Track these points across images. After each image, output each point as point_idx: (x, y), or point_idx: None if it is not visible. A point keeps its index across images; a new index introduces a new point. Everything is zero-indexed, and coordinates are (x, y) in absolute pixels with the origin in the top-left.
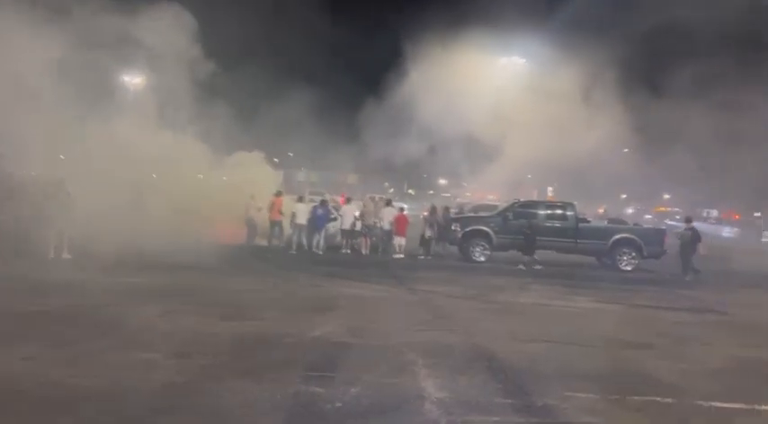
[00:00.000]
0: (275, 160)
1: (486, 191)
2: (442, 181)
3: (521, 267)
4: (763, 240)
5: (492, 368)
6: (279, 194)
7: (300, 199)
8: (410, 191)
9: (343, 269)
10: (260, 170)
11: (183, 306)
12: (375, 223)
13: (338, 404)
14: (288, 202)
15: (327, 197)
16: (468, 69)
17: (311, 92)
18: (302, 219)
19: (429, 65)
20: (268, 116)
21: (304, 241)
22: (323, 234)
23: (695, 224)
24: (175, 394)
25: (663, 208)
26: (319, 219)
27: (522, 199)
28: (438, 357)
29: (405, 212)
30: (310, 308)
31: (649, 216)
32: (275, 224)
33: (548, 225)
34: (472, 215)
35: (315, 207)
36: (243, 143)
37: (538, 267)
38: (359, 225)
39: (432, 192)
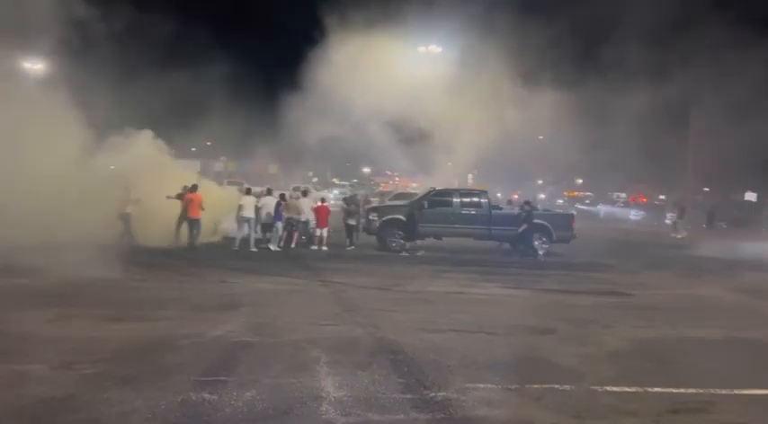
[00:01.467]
0: (192, 149)
1: (409, 179)
2: (366, 170)
3: (404, 254)
4: (667, 222)
5: (395, 362)
6: (194, 189)
7: (248, 192)
8: (334, 180)
9: (256, 264)
10: (145, 154)
11: (72, 309)
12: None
13: (227, 411)
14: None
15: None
16: (387, 56)
17: (227, 76)
18: (250, 212)
19: (348, 50)
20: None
21: (252, 235)
22: (277, 229)
23: (602, 206)
24: (48, 410)
25: (574, 193)
26: (277, 215)
27: (437, 188)
28: (341, 353)
29: (325, 203)
30: (213, 306)
31: (561, 201)
32: (194, 222)
33: (463, 212)
34: (389, 204)
35: (278, 203)
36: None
37: (420, 252)
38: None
39: (356, 181)
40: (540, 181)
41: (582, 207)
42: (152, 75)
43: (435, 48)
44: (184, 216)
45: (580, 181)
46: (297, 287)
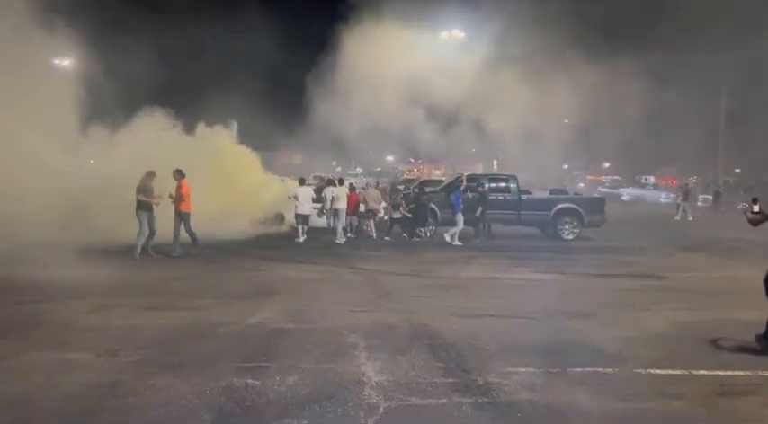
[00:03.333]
0: None
1: (432, 167)
2: (390, 158)
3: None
4: (699, 204)
5: (433, 347)
6: (182, 175)
7: (302, 182)
8: (358, 169)
9: (285, 253)
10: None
11: (113, 300)
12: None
13: (271, 396)
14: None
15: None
16: (408, 42)
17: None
18: (306, 208)
19: (368, 37)
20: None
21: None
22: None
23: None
24: (95, 396)
25: (595, 176)
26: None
27: (465, 174)
28: (379, 338)
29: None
30: (248, 294)
31: (582, 185)
32: (183, 216)
33: (492, 198)
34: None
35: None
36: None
37: (416, 238)
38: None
39: (379, 169)
40: (566, 166)
41: (604, 190)
42: (175, 63)
43: (458, 33)
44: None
45: (607, 164)
46: (329, 275)
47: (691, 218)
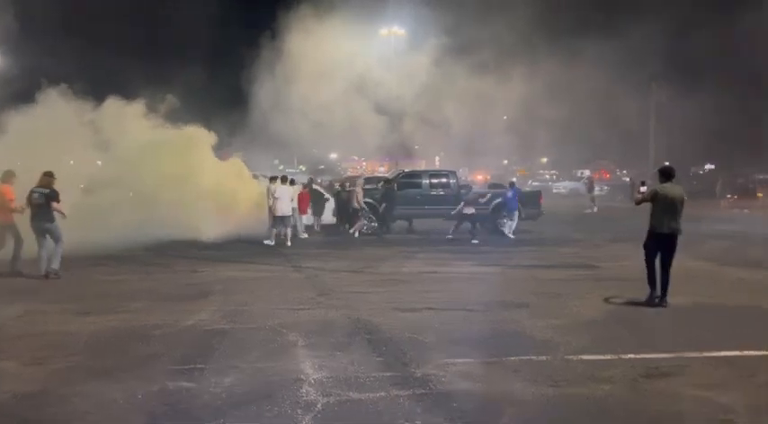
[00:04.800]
0: None
1: (376, 164)
2: (333, 155)
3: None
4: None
5: (373, 341)
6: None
7: (283, 180)
8: (301, 167)
9: (228, 253)
10: None
11: (42, 306)
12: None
13: (206, 397)
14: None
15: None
16: (348, 38)
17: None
18: (286, 208)
19: (309, 31)
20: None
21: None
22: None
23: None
24: (24, 406)
25: (523, 171)
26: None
27: (406, 170)
28: (318, 336)
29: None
30: (185, 296)
31: (514, 179)
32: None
33: (432, 193)
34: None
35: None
36: None
37: (356, 234)
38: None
39: (323, 167)
40: (506, 161)
41: (535, 184)
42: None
43: (398, 30)
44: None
45: (545, 159)
46: (269, 274)
47: (595, 210)
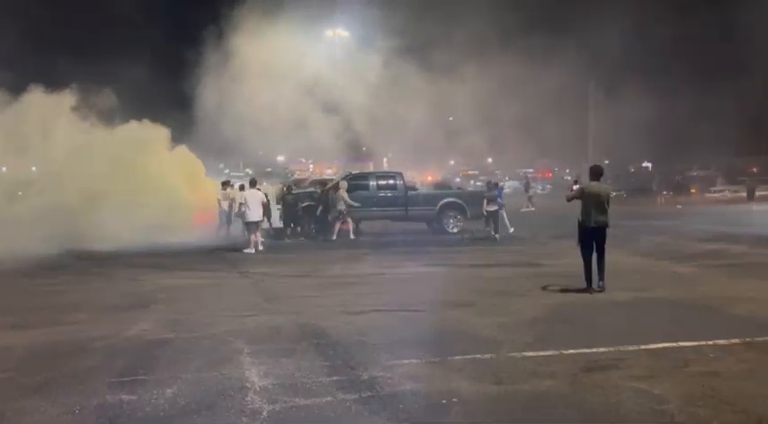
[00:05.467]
0: None
1: (324, 166)
2: (280, 158)
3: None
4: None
5: (319, 346)
6: None
7: (252, 184)
8: (248, 170)
9: (171, 260)
10: None
11: None
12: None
13: (148, 409)
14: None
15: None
16: (291, 40)
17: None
18: (256, 214)
19: (253, 32)
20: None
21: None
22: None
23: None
24: None
25: (467, 171)
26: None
27: (353, 172)
28: (264, 343)
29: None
30: (126, 306)
31: (458, 179)
32: None
33: (380, 195)
34: (304, 191)
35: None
36: None
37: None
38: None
39: (269, 169)
40: (453, 162)
41: (478, 183)
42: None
43: (342, 32)
44: None
45: (490, 159)
46: (214, 281)
47: (533, 209)
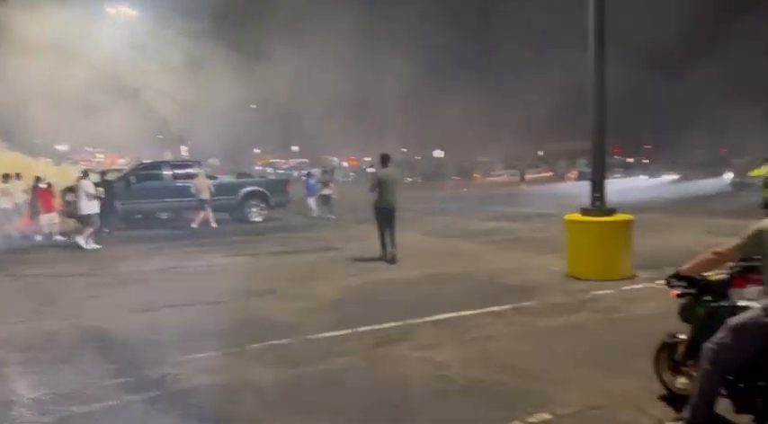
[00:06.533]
0: None
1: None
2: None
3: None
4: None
5: (104, 348)
6: None
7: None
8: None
9: None
10: None
11: None
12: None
13: None
14: None
15: None
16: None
17: None
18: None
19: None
20: None
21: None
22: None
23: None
24: None
25: (265, 159)
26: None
27: (145, 161)
28: (39, 350)
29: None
30: None
31: (259, 167)
32: None
33: (177, 185)
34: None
35: None
36: None
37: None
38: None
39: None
40: (258, 150)
41: (280, 171)
42: None
43: (128, 10)
44: None
45: (296, 148)
46: None
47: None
